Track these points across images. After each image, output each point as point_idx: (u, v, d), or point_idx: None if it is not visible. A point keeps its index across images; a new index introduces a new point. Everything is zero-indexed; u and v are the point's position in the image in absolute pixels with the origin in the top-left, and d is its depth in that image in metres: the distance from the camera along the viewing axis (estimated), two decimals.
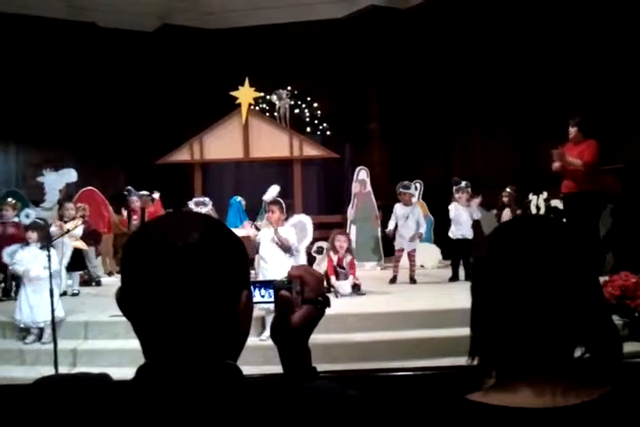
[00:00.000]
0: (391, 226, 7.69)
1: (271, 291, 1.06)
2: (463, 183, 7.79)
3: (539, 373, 0.95)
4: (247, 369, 0.92)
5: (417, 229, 7.61)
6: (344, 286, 6.68)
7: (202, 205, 7.82)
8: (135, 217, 8.59)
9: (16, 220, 7.44)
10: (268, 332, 5.09)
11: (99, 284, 8.18)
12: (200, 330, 0.88)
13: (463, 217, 7.64)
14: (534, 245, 0.95)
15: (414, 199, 8.31)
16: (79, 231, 7.46)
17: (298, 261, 5.87)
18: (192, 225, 0.92)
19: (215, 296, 0.88)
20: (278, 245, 5.55)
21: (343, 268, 6.88)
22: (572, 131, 7.02)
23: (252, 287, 0.99)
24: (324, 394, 0.89)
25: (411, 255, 7.62)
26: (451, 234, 7.74)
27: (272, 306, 1.07)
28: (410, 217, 7.59)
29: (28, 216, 7.18)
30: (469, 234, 7.64)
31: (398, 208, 7.69)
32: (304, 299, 1.06)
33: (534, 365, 0.95)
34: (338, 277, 6.78)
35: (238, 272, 0.93)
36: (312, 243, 7.43)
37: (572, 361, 0.96)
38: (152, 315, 0.88)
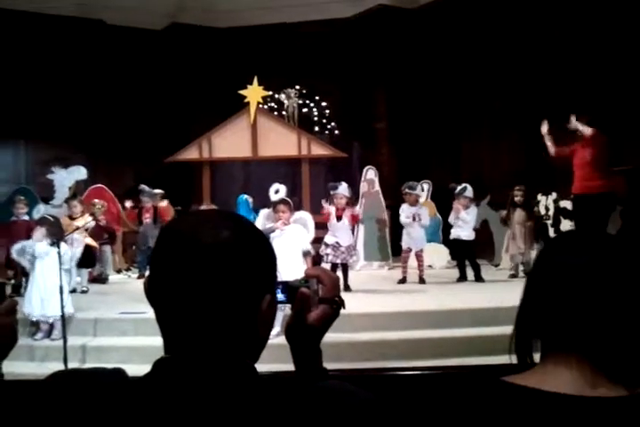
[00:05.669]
0: (407, 218, 7.60)
1: (285, 291, 1.06)
2: (459, 188, 7.78)
3: (582, 361, 0.95)
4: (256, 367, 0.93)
5: (423, 229, 7.67)
6: (342, 231, 6.90)
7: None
8: (147, 215, 8.61)
9: (26, 217, 7.47)
10: (274, 330, 5.10)
11: (105, 281, 8.23)
12: (221, 328, 0.89)
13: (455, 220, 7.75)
14: (570, 267, 0.97)
15: (422, 199, 8.29)
16: (90, 227, 7.49)
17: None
18: (224, 223, 0.92)
19: (240, 296, 0.89)
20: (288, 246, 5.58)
21: (341, 218, 6.99)
22: (588, 131, 6.92)
23: None
24: (336, 393, 0.89)
25: (418, 256, 7.63)
26: (451, 235, 7.89)
27: (281, 305, 1.07)
28: (416, 217, 7.59)
29: (38, 212, 7.22)
30: (465, 235, 7.64)
31: (404, 209, 7.69)
32: (320, 298, 1.07)
33: (579, 353, 0.95)
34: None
35: (265, 274, 0.93)
36: (319, 242, 7.42)
37: (619, 358, 0.95)
38: (176, 308, 0.89)
